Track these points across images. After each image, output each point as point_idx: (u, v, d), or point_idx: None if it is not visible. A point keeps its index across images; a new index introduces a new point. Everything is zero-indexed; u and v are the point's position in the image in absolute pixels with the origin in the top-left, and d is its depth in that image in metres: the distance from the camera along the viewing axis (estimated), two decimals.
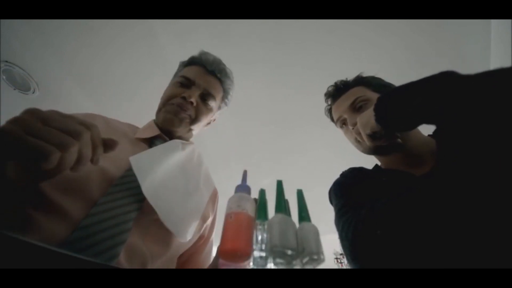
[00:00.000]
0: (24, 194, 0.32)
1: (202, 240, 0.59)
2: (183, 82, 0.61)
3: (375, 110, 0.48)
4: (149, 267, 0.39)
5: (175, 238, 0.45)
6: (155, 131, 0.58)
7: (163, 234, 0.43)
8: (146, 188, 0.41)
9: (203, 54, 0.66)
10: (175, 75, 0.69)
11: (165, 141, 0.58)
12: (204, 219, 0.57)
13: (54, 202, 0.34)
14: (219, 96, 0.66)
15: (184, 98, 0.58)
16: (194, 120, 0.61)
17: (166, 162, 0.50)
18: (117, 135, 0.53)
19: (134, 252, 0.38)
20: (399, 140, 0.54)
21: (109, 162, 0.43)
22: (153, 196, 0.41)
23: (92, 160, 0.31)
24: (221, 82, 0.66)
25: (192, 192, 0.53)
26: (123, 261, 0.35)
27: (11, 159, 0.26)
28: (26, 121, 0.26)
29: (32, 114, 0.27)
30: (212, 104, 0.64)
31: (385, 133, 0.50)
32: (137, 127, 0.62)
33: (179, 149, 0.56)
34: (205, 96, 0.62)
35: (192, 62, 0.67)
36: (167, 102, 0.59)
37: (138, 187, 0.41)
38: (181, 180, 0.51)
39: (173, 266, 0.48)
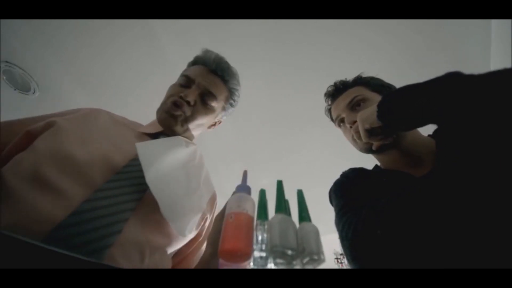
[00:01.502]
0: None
1: (199, 239, 0.58)
2: (183, 82, 0.61)
3: (379, 106, 0.48)
4: (147, 258, 0.39)
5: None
6: (159, 128, 0.58)
7: (163, 225, 0.43)
8: (150, 178, 0.40)
9: (205, 52, 0.66)
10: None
11: (167, 137, 0.58)
12: (203, 218, 0.56)
13: (51, 181, 0.33)
14: (222, 96, 0.64)
15: (181, 97, 0.57)
16: (190, 118, 0.59)
17: (170, 156, 0.49)
18: (122, 127, 0.54)
19: (130, 243, 0.37)
20: (393, 139, 0.54)
21: (113, 150, 0.43)
22: (156, 187, 0.41)
23: None
24: (224, 81, 0.65)
25: (194, 190, 0.52)
26: (115, 252, 0.34)
27: None
28: None
29: None
30: (213, 104, 0.62)
31: (383, 130, 0.50)
32: (142, 125, 0.63)
33: (183, 145, 0.56)
34: (205, 96, 0.60)
35: (195, 61, 0.67)
36: (165, 101, 0.60)
37: (140, 177, 0.40)
38: (183, 176, 0.51)
39: (168, 260, 0.48)
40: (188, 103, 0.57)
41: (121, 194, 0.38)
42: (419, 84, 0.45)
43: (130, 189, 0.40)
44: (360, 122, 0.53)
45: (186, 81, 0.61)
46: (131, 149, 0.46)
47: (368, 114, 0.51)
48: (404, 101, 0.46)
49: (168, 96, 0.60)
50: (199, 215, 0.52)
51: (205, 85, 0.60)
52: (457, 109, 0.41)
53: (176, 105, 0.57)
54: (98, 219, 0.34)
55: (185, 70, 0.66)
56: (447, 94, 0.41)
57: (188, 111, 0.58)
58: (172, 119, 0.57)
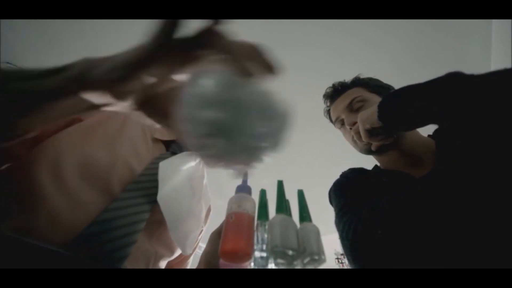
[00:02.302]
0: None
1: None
2: None
3: (379, 106, 0.48)
4: (151, 267, 0.39)
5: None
6: (173, 136, 0.58)
7: (169, 239, 0.44)
8: (161, 195, 0.41)
9: None
10: None
11: (179, 146, 0.58)
12: (199, 232, 0.57)
13: (72, 186, 0.33)
14: None
15: None
16: None
17: (182, 171, 0.50)
18: (138, 126, 0.53)
19: (140, 253, 0.37)
20: (393, 139, 0.54)
21: (133, 155, 0.44)
22: (165, 204, 0.41)
23: None
24: None
25: (195, 206, 0.53)
26: (129, 261, 0.35)
27: None
28: None
29: None
30: None
31: (384, 131, 0.50)
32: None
33: (193, 159, 0.57)
34: None
35: None
36: None
37: (153, 187, 0.41)
38: (188, 191, 0.51)
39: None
40: None
41: (137, 204, 0.38)
42: (420, 85, 0.45)
43: (145, 199, 0.40)
44: (361, 123, 0.53)
45: None
46: (148, 155, 0.46)
47: (369, 114, 0.51)
48: (405, 102, 0.46)
49: None
50: (199, 231, 0.53)
51: None
52: (458, 109, 0.41)
53: None
54: (116, 229, 0.33)
55: None
56: (447, 94, 0.41)
57: None
58: None
